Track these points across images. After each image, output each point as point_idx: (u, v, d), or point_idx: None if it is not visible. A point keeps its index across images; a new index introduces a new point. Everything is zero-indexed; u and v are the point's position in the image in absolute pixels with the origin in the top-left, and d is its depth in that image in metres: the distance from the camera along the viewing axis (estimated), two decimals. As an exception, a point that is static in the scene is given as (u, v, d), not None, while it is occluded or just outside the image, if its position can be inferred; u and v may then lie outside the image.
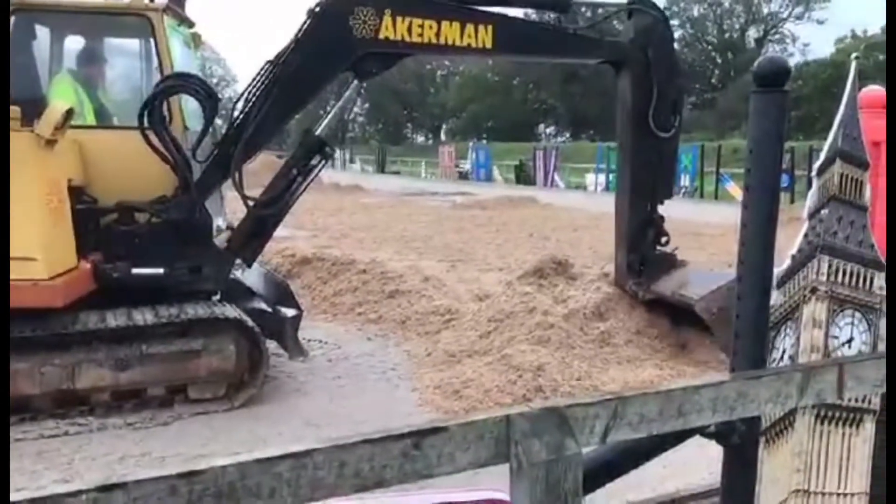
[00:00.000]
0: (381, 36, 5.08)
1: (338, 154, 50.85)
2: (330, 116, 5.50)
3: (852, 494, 1.68)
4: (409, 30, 5.13)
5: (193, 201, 5.07)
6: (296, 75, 5.04)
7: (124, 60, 6.20)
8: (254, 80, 5.15)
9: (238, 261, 5.51)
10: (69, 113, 4.52)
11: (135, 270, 5.01)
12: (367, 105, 70.76)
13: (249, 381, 5.04)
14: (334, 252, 8.90)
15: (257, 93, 5.09)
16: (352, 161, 47.83)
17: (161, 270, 5.06)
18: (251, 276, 6.10)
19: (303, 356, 5.55)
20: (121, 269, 4.99)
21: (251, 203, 5.19)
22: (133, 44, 6.06)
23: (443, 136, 63.41)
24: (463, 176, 35.15)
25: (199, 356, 4.89)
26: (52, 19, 5.62)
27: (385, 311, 7.21)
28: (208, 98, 5.00)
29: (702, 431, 1.45)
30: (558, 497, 1.13)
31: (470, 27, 5.23)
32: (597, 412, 1.18)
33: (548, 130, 63.15)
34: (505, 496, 1.58)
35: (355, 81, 5.33)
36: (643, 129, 5.69)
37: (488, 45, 5.30)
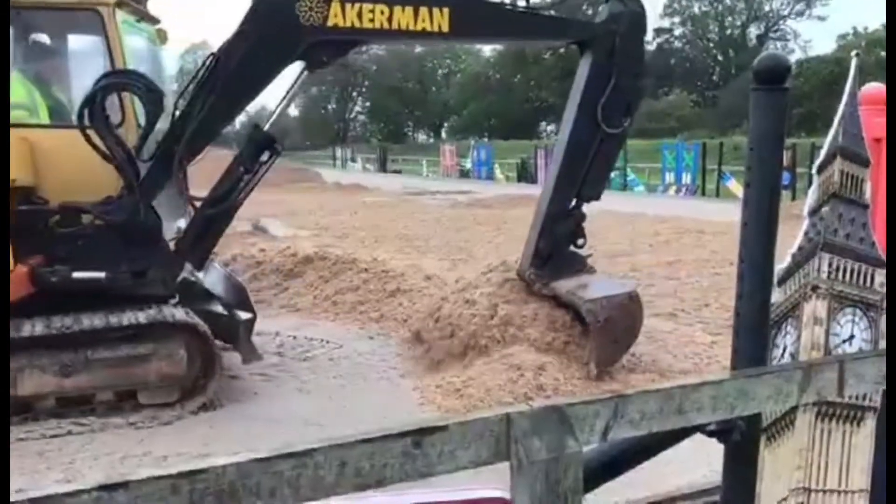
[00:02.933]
0: (330, 23, 4.81)
1: (339, 153, 51.07)
2: (279, 110, 5.35)
3: (853, 492, 1.68)
4: (360, 15, 4.84)
5: (137, 202, 4.88)
6: (239, 68, 4.80)
7: (83, 57, 5.94)
8: (197, 73, 4.94)
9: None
10: None
11: (76, 274, 4.85)
12: (368, 104, 70.92)
13: (202, 386, 4.93)
14: (336, 251, 8.90)
15: (201, 87, 4.87)
16: (353, 160, 47.84)
17: (102, 274, 4.89)
18: (211, 278, 5.97)
19: (256, 360, 5.42)
20: (60, 273, 4.83)
21: (198, 203, 5.02)
22: (91, 40, 5.82)
23: (444, 135, 63.43)
24: (464, 174, 35.14)
25: (149, 361, 4.79)
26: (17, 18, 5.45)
27: (387, 310, 7.21)
28: (150, 94, 4.79)
29: (702, 429, 1.45)
30: (558, 496, 1.13)
31: (424, 11, 4.92)
32: (597, 410, 1.18)
33: (549, 128, 63.11)
34: (505, 495, 1.59)
35: (305, 72, 5.10)
36: (589, 118, 5.28)
37: (445, 28, 4.98)
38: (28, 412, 4.65)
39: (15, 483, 3.71)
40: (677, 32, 58.41)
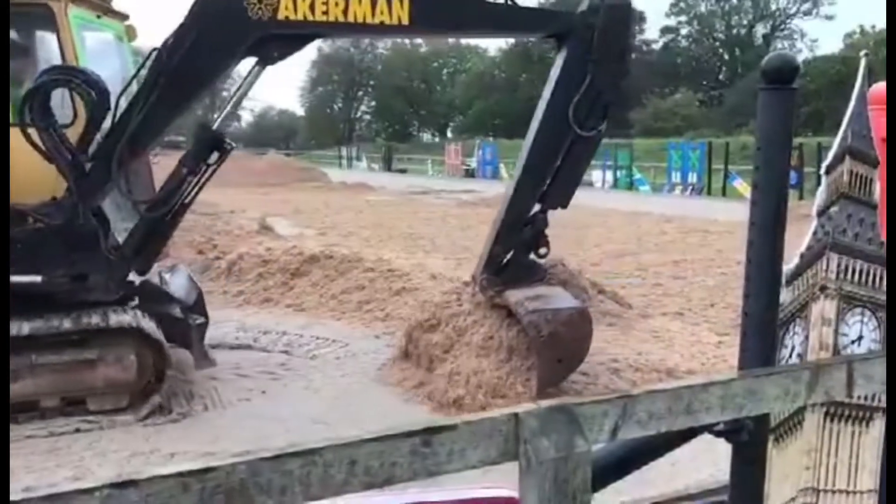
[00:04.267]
0: (281, 16, 4.53)
1: (344, 152, 51.11)
2: (228, 108, 5.14)
3: (861, 492, 1.68)
4: (313, 8, 4.55)
5: (76, 204, 4.71)
6: (183, 64, 4.55)
7: (40, 54, 5.71)
8: (139, 69, 4.73)
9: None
10: None
11: (12, 278, 4.62)
12: (373, 103, 70.95)
13: (153, 392, 4.84)
14: (341, 250, 8.92)
15: (143, 84, 4.64)
16: (358, 159, 47.89)
17: (39, 278, 4.72)
18: (176, 280, 5.86)
19: (208, 366, 5.29)
20: None
21: (141, 207, 4.83)
22: (49, 36, 5.59)
23: (449, 134, 63.41)
24: (469, 174, 35.12)
25: (96, 366, 4.71)
26: None
27: (392, 309, 7.22)
28: (91, 91, 4.59)
29: (711, 429, 1.45)
30: (567, 495, 1.13)
31: (382, 2, 4.61)
32: (605, 410, 1.19)
33: (554, 128, 62.92)
34: (513, 494, 1.59)
35: (256, 68, 4.85)
36: (559, 118, 4.83)
37: (405, 20, 4.67)
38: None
39: (25, 480, 3.73)
40: (683, 31, 58.29)
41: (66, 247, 4.78)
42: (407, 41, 67.66)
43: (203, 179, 4.85)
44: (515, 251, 5.09)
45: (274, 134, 68.46)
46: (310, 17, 4.57)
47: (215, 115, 5.11)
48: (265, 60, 4.78)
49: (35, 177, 4.71)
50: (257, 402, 5.18)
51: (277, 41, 4.69)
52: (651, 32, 58.58)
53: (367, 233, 13.12)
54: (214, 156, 4.81)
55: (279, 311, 7.64)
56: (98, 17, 5.57)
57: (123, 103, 4.65)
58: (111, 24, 5.84)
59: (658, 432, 1.26)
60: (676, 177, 25.09)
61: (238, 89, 5.07)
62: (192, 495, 0.96)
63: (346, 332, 6.89)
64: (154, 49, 4.63)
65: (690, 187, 24.11)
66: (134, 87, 4.82)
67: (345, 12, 4.60)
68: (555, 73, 4.95)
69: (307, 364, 6.01)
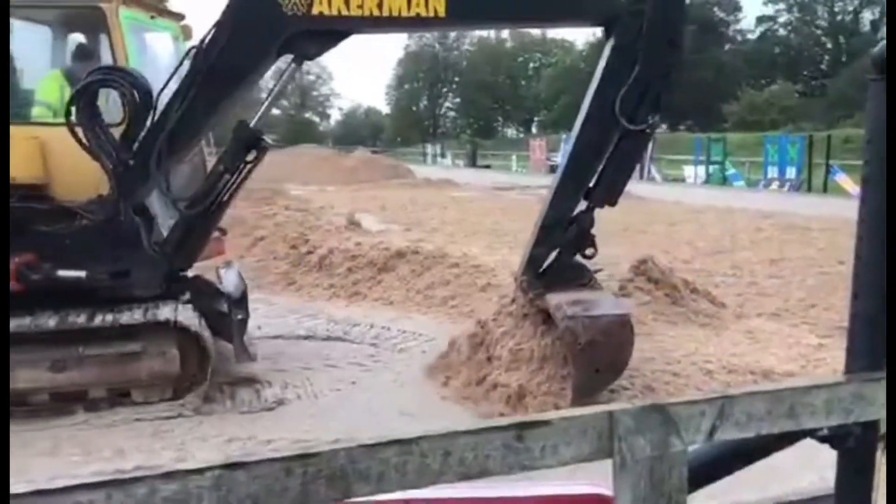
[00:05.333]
0: (315, 11, 4.47)
1: (429, 149, 51.57)
2: (265, 106, 5.13)
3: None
4: (347, 2, 4.48)
5: (117, 202, 4.85)
6: (220, 61, 4.56)
7: (105, 56, 5.77)
8: (178, 67, 4.75)
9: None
10: None
11: (60, 272, 4.88)
12: (458, 100, 71.25)
13: (196, 384, 4.96)
14: (427, 246, 9.01)
15: (182, 82, 4.67)
16: (443, 156, 48.20)
17: (83, 273, 4.90)
18: (229, 276, 6.00)
19: (248, 360, 5.37)
20: (44, 271, 4.87)
21: (181, 205, 4.91)
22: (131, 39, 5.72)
23: (534, 129, 62.97)
24: (554, 169, 34.57)
25: (140, 359, 4.84)
26: (39, 17, 5.60)
27: (478, 305, 7.24)
28: (132, 92, 4.69)
29: (814, 434, 1.39)
30: (662, 494, 1.12)
31: None
32: (702, 410, 1.17)
33: (643, 122, 61.49)
34: (604, 492, 1.58)
35: (292, 65, 4.83)
36: (605, 112, 4.54)
37: (441, 13, 4.53)
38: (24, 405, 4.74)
39: (134, 459, 3.98)
40: (782, 19, 55.79)
41: (110, 243, 4.93)
42: (492, 36, 67.70)
43: (241, 177, 4.90)
44: (560, 252, 4.83)
45: (361, 132, 69.90)
46: (344, 12, 4.51)
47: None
48: (301, 57, 4.75)
49: (84, 175, 4.90)
50: (347, 392, 5.31)
51: (312, 37, 4.64)
52: (746, 22, 56.33)
53: (451, 228, 13.20)
54: (252, 154, 4.85)
55: (367, 305, 7.80)
56: (152, 17, 5.68)
57: (164, 102, 4.72)
58: (166, 24, 5.94)
59: (757, 434, 1.23)
60: (773, 172, 24.01)
61: (275, 87, 5.09)
62: (295, 478, 1.00)
63: (433, 326, 6.96)
64: (192, 47, 4.68)
65: (788, 183, 23.04)
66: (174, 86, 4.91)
67: (379, 6, 4.51)
68: (602, 63, 4.67)
69: (395, 357, 6.12)
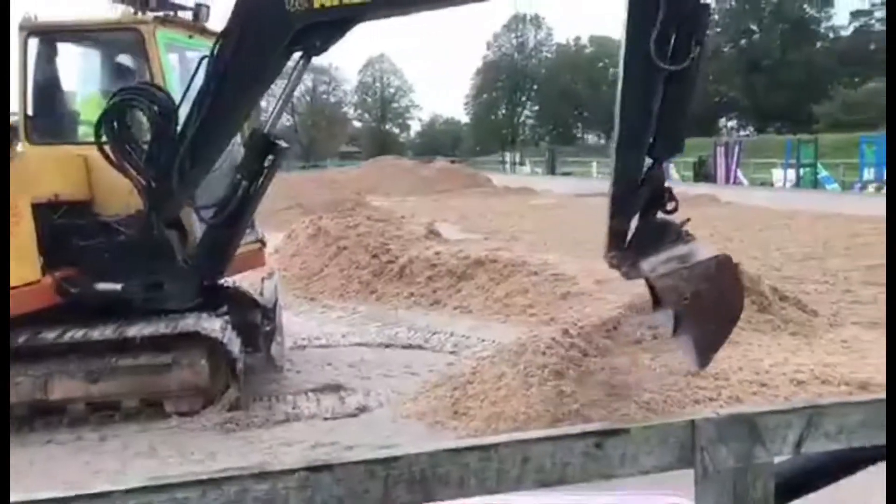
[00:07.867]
0: (317, 4, 4.46)
1: (508, 157, 51.52)
2: (277, 109, 5.10)
3: None
4: None
5: (149, 216, 4.97)
6: (232, 66, 4.56)
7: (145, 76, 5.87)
8: (192, 78, 4.75)
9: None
10: None
11: (98, 286, 5.02)
12: (536, 108, 70.94)
13: (224, 394, 5.03)
14: (505, 254, 9.00)
15: (196, 93, 4.68)
16: (522, 164, 48.05)
17: (119, 286, 5.05)
18: (268, 287, 6.08)
19: (273, 371, 5.41)
20: (81, 284, 5.04)
21: (207, 217, 4.97)
22: (172, 58, 5.88)
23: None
24: (636, 175, 34.01)
25: (170, 370, 4.92)
26: (69, 39, 5.81)
27: (557, 314, 7.17)
28: (153, 110, 4.77)
29: (912, 448, 1.32)
30: (747, 506, 1.09)
31: None
32: (789, 420, 1.13)
33: (729, 124, 59.62)
34: (684, 502, 1.55)
35: (301, 61, 4.79)
36: (641, 57, 4.19)
37: None
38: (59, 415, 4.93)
39: (226, 461, 4.15)
40: (878, 14, 52.95)
41: (144, 257, 5.08)
42: (571, 42, 67.07)
43: (261, 184, 4.93)
44: (641, 216, 4.48)
45: (440, 142, 70.47)
46: (346, 0, 4.47)
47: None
48: (309, 52, 4.72)
49: (125, 191, 5.05)
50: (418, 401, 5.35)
51: (318, 30, 4.60)
52: (839, 18, 53.82)
53: (530, 237, 13.14)
54: (269, 159, 4.90)
55: (447, 313, 7.84)
56: (190, 37, 5.77)
57: (183, 115, 4.78)
58: (205, 42, 5.96)
59: (849, 447, 1.18)
60: (870, 174, 22.80)
61: (287, 86, 5.04)
62: (378, 481, 1.04)
63: (512, 335, 6.93)
64: (202, 57, 4.71)
65: (871, 185, 21.82)
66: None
67: None
68: (626, 17, 4.30)
69: (471, 365, 6.13)
